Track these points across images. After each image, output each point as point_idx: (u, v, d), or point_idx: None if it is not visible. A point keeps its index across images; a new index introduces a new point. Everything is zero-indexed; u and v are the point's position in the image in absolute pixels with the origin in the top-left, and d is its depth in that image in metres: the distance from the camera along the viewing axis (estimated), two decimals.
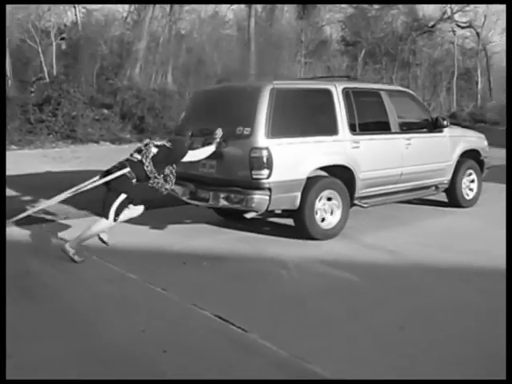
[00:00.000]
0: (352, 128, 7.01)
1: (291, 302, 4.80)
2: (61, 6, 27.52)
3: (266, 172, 6.17)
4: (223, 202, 6.42)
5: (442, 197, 8.73)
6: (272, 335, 4.06)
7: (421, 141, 7.90)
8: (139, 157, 6.00)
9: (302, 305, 4.74)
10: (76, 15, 26.43)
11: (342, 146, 6.91)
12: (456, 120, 35.21)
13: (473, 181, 8.75)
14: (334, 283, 5.30)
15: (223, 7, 33.89)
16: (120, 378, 3.48)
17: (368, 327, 4.28)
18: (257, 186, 6.20)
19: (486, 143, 9.08)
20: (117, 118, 23.04)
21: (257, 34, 32.28)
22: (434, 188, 8.31)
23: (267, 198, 6.22)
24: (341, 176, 6.82)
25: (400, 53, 36.84)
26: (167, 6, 27.72)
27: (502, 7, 39.77)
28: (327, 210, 6.75)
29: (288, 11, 34.63)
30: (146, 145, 6.08)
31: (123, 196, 5.86)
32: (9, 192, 9.17)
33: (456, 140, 8.46)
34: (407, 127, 7.90)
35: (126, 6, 29.74)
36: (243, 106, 6.53)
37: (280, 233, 6.99)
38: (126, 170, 5.87)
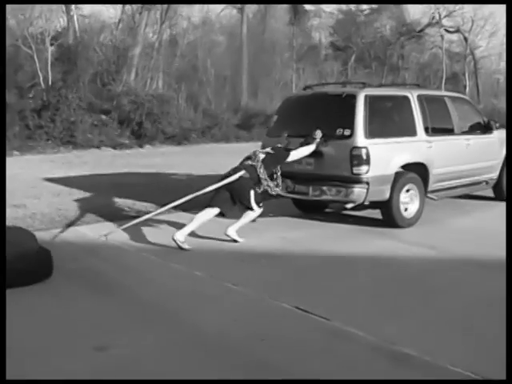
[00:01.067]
0: (426, 130, 7.91)
1: (359, 292, 5.03)
2: (53, 12, 27.58)
3: (365, 168, 7.09)
4: (324, 195, 7.35)
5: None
6: (354, 322, 4.28)
7: (477, 141, 8.86)
8: (250, 162, 6.78)
9: (371, 294, 4.98)
10: (73, 20, 26.39)
11: (419, 146, 7.83)
12: None
13: None
14: (393, 275, 5.55)
15: (214, 13, 34.15)
16: (222, 365, 3.67)
17: (440, 313, 4.53)
18: (356, 180, 7.12)
19: None
20: (115, 124, 23.13)
21: (249, 40, 32.60)
22: (485, 183, 9.16)
23: (365, 190, 7.13)
24: (417, 172, 7.71)
25: (389, 57, 37.43)
26: (161, 11, 27.82)
27: (489, 12, 40.54)
28: (408, 202, 7.61)
29: (278, 17, 34.94)
30: (254, 152, 6.94)
31: (253, 191, 6.64)
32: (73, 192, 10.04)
33: (503, 141, 9.29)
34: (466, 129, 8.91)
35: (119, 12, 29.89)
36: (341, 111, 7.44)
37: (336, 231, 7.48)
38: (242, 173, 6.61)
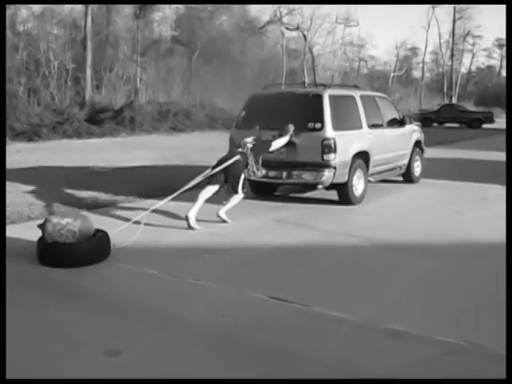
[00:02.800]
0: (367, 124, 9.53)
1: (315, 279, 5.36)
2: None
3: (333, 155, 8.48)
4: (297, 179, 8.65)
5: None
6: (331, 306, 4.60)
7: (397, 133, 10.70)
8: (241, 149, 7.76)
9: (326, 280, 5.33)
10: None
11: (364, 137, 9.42)
12: None
13: (418, 164, 11.73)
14: (335, 261, 5.97)
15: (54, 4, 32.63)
16: (237, 357, 3.81)
17: (399, 291, 5.01)
18: (326, 165, 8.48)
19: (423, 135, 12.08)
20: None
21: (93, 33, 31.64)
22: (399, 168, 10.91)
23: (333, 174, 8.51)
24: (363, 158, 9.20)
25: (231, 53, 38.21)
26: None
27: (327, 12, 42.78)
28: (357, 183, 9.05)
29: (122, 10, 34.24)
30: (243, 141, 7.85)
31: (242, 175, 7.66)
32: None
33: (412, 133, 11.48)
34: (389, 123, 10.57)
35: None
36: (310, 107, 8.73)
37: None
38: (238, 157, 7.60)
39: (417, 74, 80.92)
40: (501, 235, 6.66)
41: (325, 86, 9.36)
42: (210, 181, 7.60)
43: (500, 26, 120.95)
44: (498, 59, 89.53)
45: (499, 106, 60.84)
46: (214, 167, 7.63)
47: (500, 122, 38.10)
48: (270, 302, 4.74)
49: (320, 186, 8.81)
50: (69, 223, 5.71)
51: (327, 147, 8.44)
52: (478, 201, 9.73)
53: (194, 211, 7.25)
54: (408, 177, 11.42)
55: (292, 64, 42.26)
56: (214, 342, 4.01)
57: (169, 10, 36.57)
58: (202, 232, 7.12)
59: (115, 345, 3.92)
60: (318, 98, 8.66)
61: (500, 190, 10.75)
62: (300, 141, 8.49)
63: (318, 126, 8.48)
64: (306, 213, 8.49)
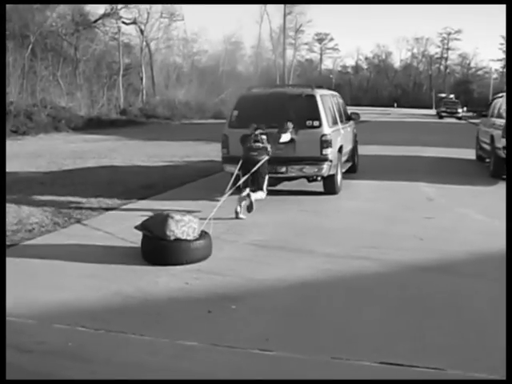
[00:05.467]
0: (340, 120, 10.76)
1: (383, 325, 4.42)
2: None
3: (330, 150, 9.32)
4: (298, 172, 9.35)
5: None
6: (461, 363, 3.77)
7: (347, 128, 11.63)
8: (261, 144, 8.18)
9: (408, 323, 4.41)
10: None
11: (340, 132, 10.45)
12: (128, 116, 35.45)
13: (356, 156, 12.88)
14: (368, 293, 5.09)
15: None
16: None
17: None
18: (324, 159, 9.29)
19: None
20: None
21: None
22: (347, 160, 11.47)
23: (329, 166, 9.34)
24: (339, 151, 10.04)
25: (64, 48, 35.39)
26: None
27: (164, 6, 41.32)
28: (338, 174, 9.94)
29: None
30: (256, 135, 8.23)
31: (267, 176, 8.26)
32: None
33: (354, 128, 12.82)
34: (342, 119, 11.28)
35: None
36: (305, 106, 9.44)
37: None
38: (266, 158, 8.13)
39: (241, 68, 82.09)
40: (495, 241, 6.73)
41: (310, 86, 9.99)
42: (246, 183, 8.00)
43: (322, 21, 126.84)
44: (317, 52, 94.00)
45: None
46: (241, 168, 8.04)
47: None
48: (393, 371, 3.71)
49: (319, 178, 9.54)
50: (191, 220, 5.86)
51: (326, 142, 9.22)
52: (428, 202, 9.43)
53: (238, 210, 7.88)
54: (353, 168, 12.29)
55: (128, 59, 40.19)
56: None
57: None
58: (185, 270, 5.73)
59: None
60: (312, 98, 9.45)
61: (432, 188, 10.68)
62: (298, 137, 9.07)
63: (316, 123, 9.23)
64: (287, 229, 7.55)
